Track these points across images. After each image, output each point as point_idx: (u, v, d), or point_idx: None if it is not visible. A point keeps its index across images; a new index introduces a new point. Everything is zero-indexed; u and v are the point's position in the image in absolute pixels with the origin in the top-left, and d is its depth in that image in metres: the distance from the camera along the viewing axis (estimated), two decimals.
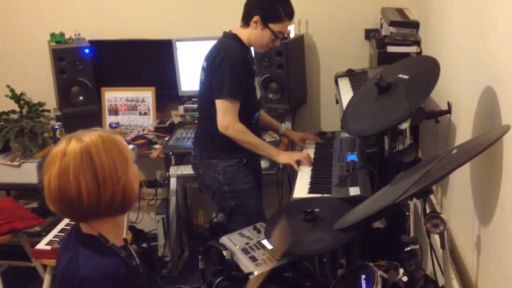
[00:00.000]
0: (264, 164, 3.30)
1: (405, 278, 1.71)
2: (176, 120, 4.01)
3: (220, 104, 2.68)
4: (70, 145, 1.51)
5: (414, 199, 1.31)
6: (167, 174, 3.65)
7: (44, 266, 3.30)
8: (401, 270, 1.76)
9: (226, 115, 2.67)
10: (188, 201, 4.20)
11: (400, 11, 3.53)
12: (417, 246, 1.86)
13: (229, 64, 2.65)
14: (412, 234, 1.96)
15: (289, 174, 3.59)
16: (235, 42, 2.75)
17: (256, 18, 2.71)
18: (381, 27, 3.57)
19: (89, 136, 1.54)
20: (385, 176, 2.71)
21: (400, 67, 1.81)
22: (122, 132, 1.68)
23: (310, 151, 2.97)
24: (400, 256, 1.85)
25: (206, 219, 4.25)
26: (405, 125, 1.72)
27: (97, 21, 4.00)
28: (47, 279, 3.19)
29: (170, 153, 3.56)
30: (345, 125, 1.76)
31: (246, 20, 2.76)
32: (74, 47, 3.83)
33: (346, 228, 1.42)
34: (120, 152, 1.56)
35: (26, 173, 3.85)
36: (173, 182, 3.66)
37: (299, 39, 3.78)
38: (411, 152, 1.37)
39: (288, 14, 2.76)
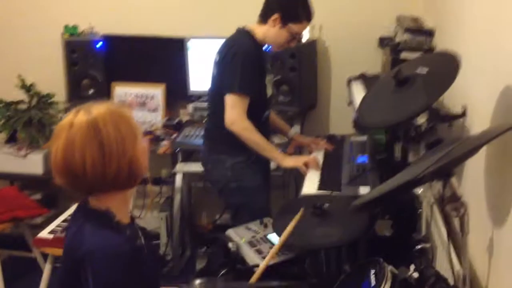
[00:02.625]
0: (271, 165, 3.27)
1: (415, 275, 1.68)
2: (185, 118, 4.00)
3: (229, 99, 2.66)
4: (78, 117, 1.51)
5: (435, 188, 1.28)
6: (174, 170, 3.63)
7: (45, 256, 3.28)
8: (412, 267, 1.73)
9: (234, 110, 2.65)
10: (192, 201, 4.18)
11: (416, 20, 3.53)
12: (428, 245, 1.85)
13: (241, 60, 2.64)
14: (423, 232, 1.96)
15: (296, 177, 3.56)
16: (248, 38, 2.74)
17: (275, 16, 2.69)
18: (396, 34, 3.57)
19: (97, 109, 1.54)
20: None
21: (419, 62, 1.79)
22: (132, 105, 1.67)
23: (319, 153, 2.94)
24: (410, 254, 1.83)
25: (210, 220, 4.22)
26: (422, 120, 1.70)
27: (111, 15, 4.00)
28: (47, 268, 3.16)
29: (178, 149, 3.55)
30: (361, 117, 1.74)
31: (264, 17, 2.74)
32: (87, 40, 3.85)
33: (365, 204, 1.40)
34: (128, 125, 1.55)
35: (31, 163, 3.84)
36: (179, 178, 3.64)
37: (312, 43, 3.78)
38: (433, 132, 1.35)
39: (308, 15, 2.76)
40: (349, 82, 3.10)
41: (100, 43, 3.83)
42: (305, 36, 3.67)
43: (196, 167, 3.52)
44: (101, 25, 3.93)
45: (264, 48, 2.85)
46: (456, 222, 1.31)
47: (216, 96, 2.80)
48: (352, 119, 3.35)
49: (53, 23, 3.95)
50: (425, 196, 1.80)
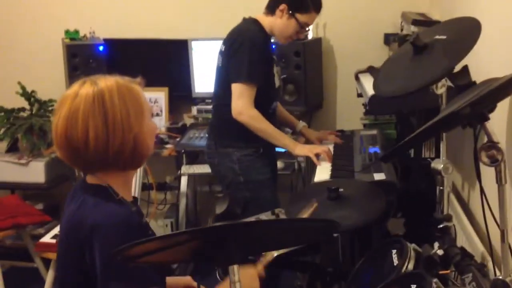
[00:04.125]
0: (278, 164, 3.18)
1: (440, 252, 1.58)
2: (189, 122, 3.93)
3: (236, 88, 2.57)
4: (83, 88, 1.43)
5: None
6: (179, 172, 3.54)
7: (47, 264, 3.18)
8: (436, 244, 1.64)
9: (241, 99, 2.57)
10: (198, 207, 4.08)
11: (422, 15, 3.47)
12: (451, 223, 1.75)
13: (249, 47, 2.56)
14: (446, 211, 1.86)
15: (303, 178, 3.47)
16: (255, 26, 2.68)
17: (283, 6, 2.63)
18: (402, 30, 3.50)
19: (105, 81, 1.45)
20: (410, 174, 2.61)
21: (437, 30, 1.72)
22: (141, 83, 1.58)
23: (330, 145, 2.85)
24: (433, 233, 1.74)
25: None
26: (441, 90, 1.62)
27: (112, 19, 3.96)
28: (50, 274, 3.06)
29: (183, 151, 3.46)
30: (377, 87, 1.66)
31: (271, 8, 2.67)
32: (88, 44, 3.79)
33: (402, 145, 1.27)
34: (136, 101, 1.46)
35: (33, 172, 3.77)
36: (184, 181, 3.55)
37: (317, 41, 3.72)
38: (465, 75, 1.27)
39: (316, 5, 2.69)
40: (357, 75, 3.02)
41: (102, 47, 3.77)
42: (310, 34, 3.62)
43: (201, 169, 3.45)
44: (103, 29, 3.87)
45: (271, 39, 2.78)
46: (489, 174, 1.21)
47: (221, 87, 2.72)
48: (361, 111, 3.29)
49: (54, 28, 3.91)
50: (447, 172, 1.71)
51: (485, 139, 1.13)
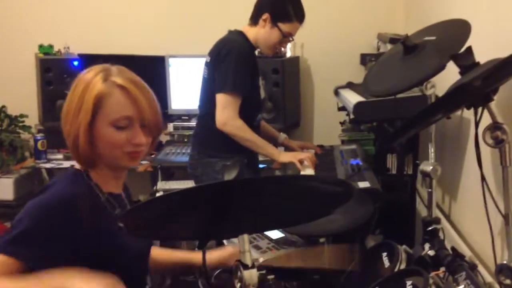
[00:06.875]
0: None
1: (431, 252, 1.56)
2: (164, 139, 3.87)
3: (221, 99, 2.55)
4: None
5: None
6: (154, 188, 3.47)
7: None
8: (427, 245, 1.61)
9: (225, 110, 2.54)
10: None
11: (398, 35, 3.52)
12: (439, 226, 1.74)
13: (235, 58, 2.54)
14: (434, 214, 1.85)
15: None
16: (241, 37, 2.67)
17: (265, 16, 2.63)
18: (378, 49, 3.55)
19: (90, 73, 1.47)
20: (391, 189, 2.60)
21: (425, 32, 1.73)
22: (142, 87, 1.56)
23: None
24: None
25: (191, 246, 4.02)
26: (431, 90, 1.62)
27: (87, 35, 3.92)
28: None
29: (159, 166, 3.40)
30: (366, 87, 1.65)
31: (255, 18, 2.68)
32: (62, 59, 3.73)
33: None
34: (89, 101, 1.43)
35: (1, 189, 3.63)
36: None
37: (295, 60, 3.75)
38: (469, 55, 1.26)
39: (298, 15, 2.68)
40: (336, 90, 3.04)
41: (76, 62, 3.71)
42: (288, 52, 3.64)
43: (177, 185, 3.38)
44: (77, 45, 3.82)
45: (256, 51, 2.78)
46: (491, 156, 1.20)
47: (207, 98, 2.69)
48: (339, 129, 3.29)
49: (27, 43, 3.84)
50: (436, 174, 1.70)
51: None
